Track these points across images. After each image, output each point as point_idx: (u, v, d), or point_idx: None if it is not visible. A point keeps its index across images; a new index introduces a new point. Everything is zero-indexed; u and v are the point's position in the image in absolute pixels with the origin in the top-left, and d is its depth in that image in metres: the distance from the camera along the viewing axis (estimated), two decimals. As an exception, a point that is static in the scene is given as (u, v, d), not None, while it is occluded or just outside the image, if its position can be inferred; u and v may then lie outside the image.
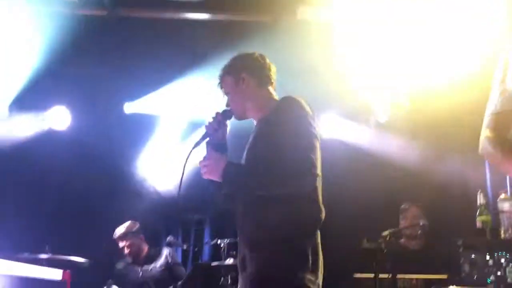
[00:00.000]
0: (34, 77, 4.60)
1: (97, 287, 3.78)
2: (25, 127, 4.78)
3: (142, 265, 4.44)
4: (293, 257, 2.07)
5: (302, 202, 2.12)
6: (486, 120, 1.63)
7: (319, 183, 2.19)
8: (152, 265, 4.39)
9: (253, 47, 2.47)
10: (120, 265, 4.50)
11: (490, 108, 1.63)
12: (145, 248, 4.52)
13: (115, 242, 4.46)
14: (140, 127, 5.18)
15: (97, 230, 4.63)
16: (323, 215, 2.21)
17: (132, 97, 5.11)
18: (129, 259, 4.51)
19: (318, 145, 2.16)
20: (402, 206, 4.13)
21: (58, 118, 5.01)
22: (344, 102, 5.06)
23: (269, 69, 2.37)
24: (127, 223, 4.50)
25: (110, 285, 3.73)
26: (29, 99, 4.79)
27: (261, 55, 2.39)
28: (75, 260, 3.42)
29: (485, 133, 1.63)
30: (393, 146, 4.76)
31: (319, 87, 4.78)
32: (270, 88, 2.36)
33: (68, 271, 1.67)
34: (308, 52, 4.48)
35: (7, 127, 4.66)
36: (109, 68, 4.81)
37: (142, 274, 4.38)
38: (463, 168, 4.15)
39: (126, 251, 4.46)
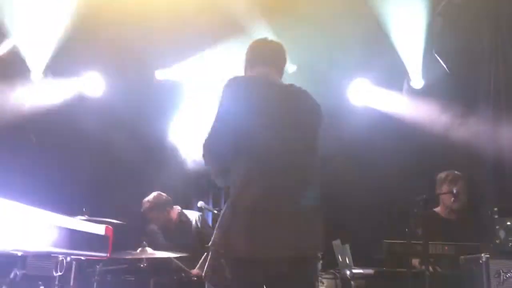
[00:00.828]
0: (67, 43, 4.66)
1: (132, 248, 3.89)
2: (59, 92, 4.88)
3: (172, 231, 4.54)
4: None
5: None
6: None
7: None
8: (182, 230, 4.46)
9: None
10: (150, 228, 4.62)
11: None
12: (174, 216, 4.56)
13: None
14: (171, 94, 5.23)
15: (130, 195, 4.74)
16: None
17: (164, 64, 5.14)
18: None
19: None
20: (440, 174, 4.07)
21: (92, 84, 5.09)
22: (377, 68, 5.00)
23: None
24: (154, 195, 4.49)
25: (145, 246, 3.84)
26: (63, 64, 4.87)
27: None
28: (111, 221, 3.52)
29: None
30: (427, 114, 4.68)
31: (350, 54, 4.74)
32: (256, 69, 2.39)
33: (110, 227, 1.73)
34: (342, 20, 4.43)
35: (42, 91, 4.75)
36: (141, 34, 4.82)
37: (171, 239, 4.49)
38: (498, 135, 4.05)
39: (154, 222, 4.54)
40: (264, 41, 2.52)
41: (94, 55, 4.90)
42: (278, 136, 2.14)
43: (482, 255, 2.79)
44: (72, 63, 4.96)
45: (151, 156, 5.04)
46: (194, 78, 5.26)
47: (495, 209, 2.81)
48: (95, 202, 4.35)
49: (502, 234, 2.76)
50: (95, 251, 1.71)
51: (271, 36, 4.71)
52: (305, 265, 2.11)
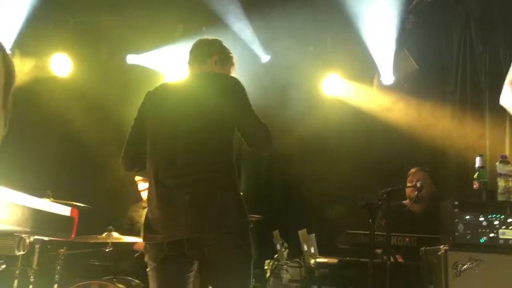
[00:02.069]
0: (36, 22, 4.53)
1: (98, 233, 3.85)
2: (26, 70, 4.75)
3: None
4: None
5: None
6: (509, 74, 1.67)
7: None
8: None
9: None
10: (133, 208, 4.60)
11: None
12: None
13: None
14: (144, 80, 5.14)
15: (98, 178, 4.69)
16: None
17: (136, 49, 5.07)
18: (143, 203, 4.61)
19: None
20: (411, 170, 4.19)
21: (59, 64, 4.98)
22: (349, 63, 5.07)
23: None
24: None
25: (111, 230, 3.81)
26: (30, 44, 4.74)
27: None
28: (77, 205, 3.48)
29: (507, 85, 1.66)
30: (396, 109, 4.78)
31: (323, 49, 4.80)
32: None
33: (76, 209, 1.71)
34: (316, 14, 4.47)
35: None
36: (113, 17, 4.75)
37: None
38: (463, 132, 4.18)
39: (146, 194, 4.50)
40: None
41: (63, 35, 4.79)
42: (169, 133, 2.39)
43: (441, 246, 2.87)
44: (40, 42, 4.83)
45: (122, 139, 4.94)
46: (167, 67, 5.20)
47: (456, 203, 2.90)
48: (60, 184, 4.29)
49: (460, 227, 2.85)
50: (59, 232, 1.69)
51: (245, 26, 4.75)
52: (205, 245, 2.26)
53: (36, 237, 1.69)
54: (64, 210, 1.63)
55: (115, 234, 3.80)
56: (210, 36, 2.72)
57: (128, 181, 4.76)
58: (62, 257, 3.72)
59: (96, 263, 4.08)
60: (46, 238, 2.53)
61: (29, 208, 1.40)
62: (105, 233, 3.79)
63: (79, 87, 4.90)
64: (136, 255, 4.25)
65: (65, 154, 4.88)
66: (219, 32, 4.85)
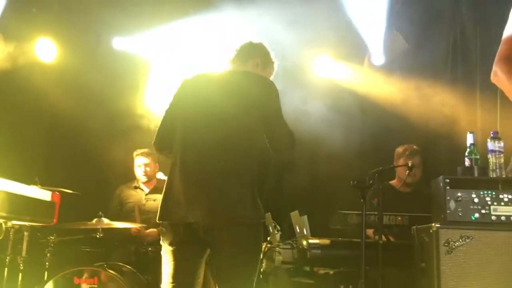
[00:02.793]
0: (18, 5, 4.42)
1: (87, 219, 3.82)
2: (9, 56, 4.65)
3: (147, 193, 4.53)
4: None
5: None
6: (500, 48, 1.64)
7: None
8: (158, 196, 4.38)
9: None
10: (123, 188, 4.56)
11: (505, 34, 1.63)
12: (155, 177, 4.54)
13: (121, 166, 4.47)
14: (130, 64, 5.06)
15: (88, 164, 4.63)
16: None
17: (123, 33, 4.97)
18: (135, 183, 4.58)
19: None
20: (398, 148, 4.17)
21: (43, 49, 4.87)
22: (340, 44, 5.02)
23: None
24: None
25: (101, 216, 3.78)
26: (13, 28, 4.63)
27: None
28: (65, 191, 3.44)
29: (497, 61, 1.64)
30: (387, 88, 4.74)
31: (312, 29, 4.74)
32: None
33: (57, 193, 1.67)
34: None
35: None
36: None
37: (146, 201, 4.47)
38: (455, 110, 4.16)
39: (143, 170, 4.50)
40: None
41: (47, 18, 4.68)
42: (201, 121, 2.50)
43: (433, 224, 2.86)
44: (24, 26, 4.72)
45: (111, 125, 4.88)
46: (154, 51, 5.11)
47: (447, 180, 2.88)
48: (49, 171, 4.23)
49: (452, 205, 2.84)
50: (39, 217, 1.64)
51: (236, 10, 4.67)
52: (217, 231, 2.38)
53: (15, 222, 1.65)
54: (44, 195, 1.58)
55: (105, 220, 3.77)
56: (255, 40, 2.83)
57: (118, 165, 4.71)
58: (52, 245, 3.68)
59: (87, 249, 4.05)
60: (27, 224, 2.50)
61: (5, 192, 1.35)
62: (95, 219, 3.76)
63: (65, 72, 4.80)
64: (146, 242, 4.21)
65: (53, 140, 4.81)
66: (206, 15, 4.79)
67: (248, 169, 2.45)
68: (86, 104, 4.72)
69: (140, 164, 4.56)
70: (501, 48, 1.77)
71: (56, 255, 3.69)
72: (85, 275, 3.49)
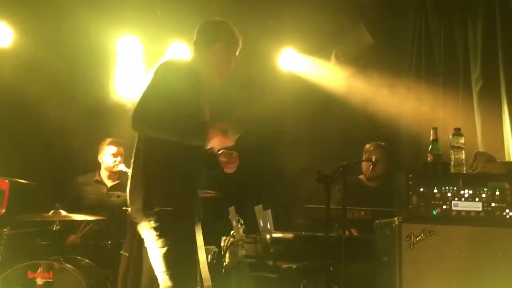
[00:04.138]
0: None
1: (44, 211, 3.67)
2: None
3: (110, 187, 4.35)
4: None
5: None
6: None
7: None
8: (121, 192, 4.22)
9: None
10: (82, 181, 4.38)
11: None
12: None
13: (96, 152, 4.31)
14: (94, 47, 4.85)
15: (44, 154, 4.46)
16: None
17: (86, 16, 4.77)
18: (97, 176, 4.40)
19: None
20: (366, 145, 4.21)
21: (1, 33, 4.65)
22: (306, 38, 5.01)
23: None
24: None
25: (58, 208, 3.63)
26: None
27: None
28: (19, 181, 3.29)
29: None
30: (352, 84, 4.77)
31: (280, 23, 4.72)
32: None
33: (6, 181, 1.57)
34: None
35: None
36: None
37: (109, 197, 4.30)
38: (418, 106, 4.22)
39: (119, 159, 4.28)
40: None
41: (2, 1, 4.46)
42: None
43: (395, 219, 2.88)
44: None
45: (70, 112, 4.66)
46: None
47: (410, 175, 2.90)
48: (2, 160, 4.03)
49: (414, 199, 2.87)
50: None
51: (199, 6, 4.58)
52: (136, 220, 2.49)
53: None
54: (-8, 182, 1.48)
55: (63, 213, 3.63)
56: (217, 19, 2.72)
57: (78, 155, 4.52)
58: (5, 237, 3.51)
59: (43, 242, 3.89)
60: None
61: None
62: (52, 211, 3.61)
63: (22, 57, 4.58)
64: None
65: (7, 127, 4.59)
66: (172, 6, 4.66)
67: (156, 163, 2.44)
68: (44, 89, 4.51)
69: (115, 153, 4.33)
70: None
71: (9, 249, 3.53)
72: (40, 269, 3.35)
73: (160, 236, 2.39)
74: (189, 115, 2.41)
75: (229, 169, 2.76)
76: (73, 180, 4.45)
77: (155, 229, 2.40)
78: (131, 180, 2.51)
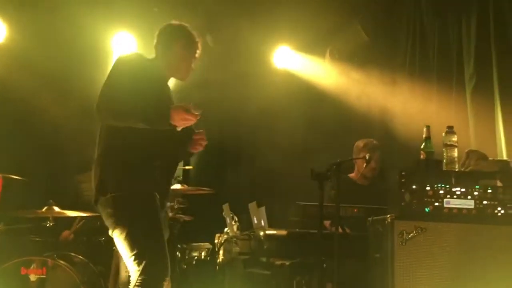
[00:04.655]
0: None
1: (37, 207, 3.66)
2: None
3: None
4: None
5: None
6: None
7: None
8: None
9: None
10: (82, 179, 4.36)
11: None
12: None
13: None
14: (89, 43, 4.83)
15: (38, 150, 4.44)
16: None
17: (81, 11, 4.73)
18: None
19: None
20: (358, 142, 4.22)
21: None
22: (301, 35, 5.02)
23: None
24: None
25: (51, 204, 3.63)
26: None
27: None
28: (11, 177, 3.28)
29: None
30: (347, 81, 4.78)
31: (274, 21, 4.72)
32: None
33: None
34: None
35: None
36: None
37: None
38: (411, 104, 4.24)
39: None
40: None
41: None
42: None
43: (388, 216, 2.90)
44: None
45: (65, 107, 4.63)
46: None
47: (403, 173, 2.92)
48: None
49: (407, 196, 2.89)
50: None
51: (194, 3, 4.57)
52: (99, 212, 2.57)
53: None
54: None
55: (56, 209, 3.62)
56: (175, 22, 2.85)
57: (73, 151, 4.49)
58: (-1, 233, 3.51)
59: (37, 239, 3.88)
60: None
61: None
62: (46, 208, 3.61)
63: (16, 54, 4.56)
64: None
65: (1, 125, 4.56)
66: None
67: (109, 154, 2.55)
68: (38, 86, 4.50)
69: None
70: None
71: (2, 245, 3.52)
72: (33, 266, 3.35)
73: (117, 222, 2.44)
74: (151, 101, 2.50)
75: (197, 148, 2.81)
76: (71, 178, 4.44)
77: (111, 215, 2.45)
78: (93, 173, 2.57)
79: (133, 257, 2.40)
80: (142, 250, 2.39)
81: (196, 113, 2.53)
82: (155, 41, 2.79)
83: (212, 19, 4.84)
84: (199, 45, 2.80)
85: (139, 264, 2.37)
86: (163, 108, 2.53)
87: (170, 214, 3.71)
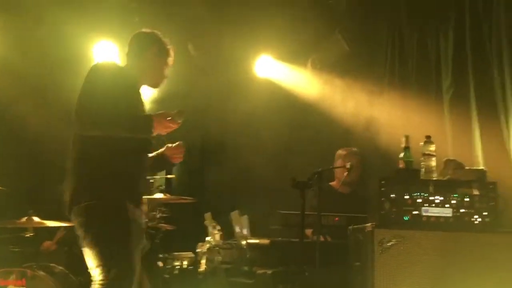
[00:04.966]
0: None
1: (17, 217, 3.61)
2: None
3: None
4: None
5: None
6: None
7: None
8: None
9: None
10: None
11: None
12: None
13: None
14: (72, 52, 4.78)
15: (20, 159, 4.38)
16: None
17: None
18: None
19: None
20: (338, 150, 4.27)
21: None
22: (283, 44, 5.05)
23: None
24: None
25: (31, 214, 3.58)
26: None
27: None
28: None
29: None
30: (328, 91, 4.83)
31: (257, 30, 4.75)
32: None
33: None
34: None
35: None
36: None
37: None
38: (391, 113, 4.31)
39: None
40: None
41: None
42: None
43: (368, 224, 2.94)
44: None
45: (47, 114, 4.57)
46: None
47: (382, 182, 2.97)
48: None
49: (387, 205, 2.93)
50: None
51: (177, 13, 4.57)
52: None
53: None
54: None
55: (36, 219, 3.58)
56: (147, 30, 2.83)
57: (51, 161, 4.44)
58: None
59: (16, 249, 3.83)
60: None
61: None
62: (25, 218, 3.56)
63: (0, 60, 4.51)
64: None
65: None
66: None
67: (80, 163, 2.53)
68: (19, 93, 4.44)
69: None
70: None
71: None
72: (12, 277, 3.30)
73: (87, 231, 2.40)
74: (129, 110, 2.51)
75: (176, 159, 2.83)
76: (54, 188, 4.37)
77: (82, 224, 2.42)
78: (67, 182, 2.55)
79: (99, 268, 2.37)
80: (109, 262, 2.36)
81: (179, 121, 2.56)
82: (127, 49, 2.78)
83: (193, 28, 4.86)
84: (171, 52, 2.79)
85: (104, 276, 2.35)
86: (147, 117, 2.54)
87: (152, 223, 3.70)
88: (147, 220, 3.02)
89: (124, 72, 2.68)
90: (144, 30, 2.82)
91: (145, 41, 2.75)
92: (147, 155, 2.70)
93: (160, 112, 2.56)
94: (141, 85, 2.75)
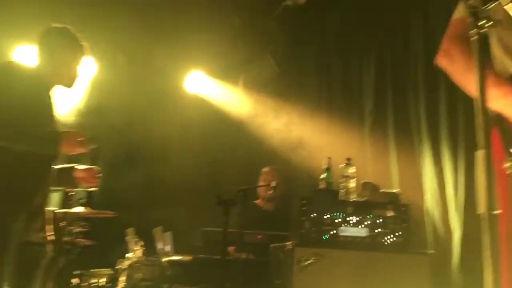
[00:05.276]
0: None
1: None
2: None
3: None
4: None
5: None
6: (449, 29, 1.65)
7: None
8: None
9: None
10: None
11: (454, 17, 1.65)
12: None
13: None
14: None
15: None
16: None
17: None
18: None
19: None
20: (263, 169, 4.33)
21: None
22: (214, 61, 5.09)
23: None
24: None
25: None
26: None
27: None
28: None
29: (449, 39, 1.63)
30: (258, 110, 4.91)
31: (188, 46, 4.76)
32: None
33: None
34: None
35: None
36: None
37: None
38: (315, 135, 4.45)
39: None
40: None
41: None
42: None
43: (289, 243, 3.01)
44: None
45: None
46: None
47: (303, 201, 3.06)
48: None
49: (307, 224, 3.02)
50: None
51: (106, 23, 4.47)
52: None
53: None
54: None
55: None
56: (58, 25, 2.62)
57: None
58: None
59: None
60: None
61: None
62: None
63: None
64: None
65: None
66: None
67: None
68: None
69: None
70: (450, 29, 1.68)
71: None
72: None
73: None
74: (37, 121, 2.32)
75: (90, 184, 2.69)
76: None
77: None
78: None
79: None
80: None
81: (89, 147, 2.42)
82: (37, 46, 2.55)
83: (125, 39, 4.78)
84: (85, 49, 2.61)
85: None
86: (54, 133, 2.37)
87: (68, 238, 3.55)
88: (49, 235, 2.80)
89: (33, 73, 2.45)
90: (54, 25, 2.59)
91: (57, 39, 2.54)
92: (50, 167, 2.47)
93: (73, 131, 2.41)
94: (53, 86, 2.52)
